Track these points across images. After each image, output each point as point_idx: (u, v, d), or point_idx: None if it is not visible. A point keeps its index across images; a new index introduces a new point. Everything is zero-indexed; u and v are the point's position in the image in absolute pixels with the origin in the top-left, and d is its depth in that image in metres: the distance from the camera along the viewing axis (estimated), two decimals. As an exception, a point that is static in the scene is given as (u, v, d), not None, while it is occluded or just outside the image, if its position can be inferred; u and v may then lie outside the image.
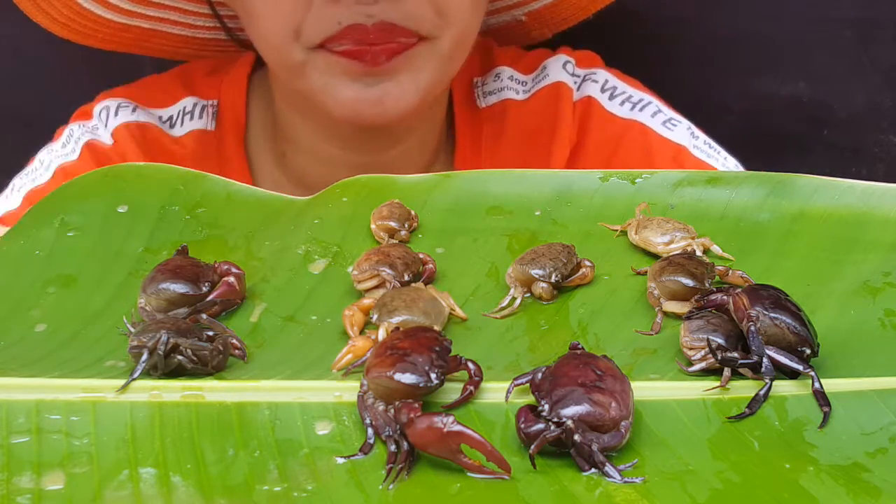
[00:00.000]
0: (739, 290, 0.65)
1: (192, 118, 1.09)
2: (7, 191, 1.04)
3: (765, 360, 0.62)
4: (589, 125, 1.06)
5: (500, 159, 1.06)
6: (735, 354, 0.63)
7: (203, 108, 1.09)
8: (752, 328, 0.63)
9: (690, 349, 0.65)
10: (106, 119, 1.07)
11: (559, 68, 1.08)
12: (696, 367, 0.64)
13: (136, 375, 0.63)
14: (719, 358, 0.63)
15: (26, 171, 1.05)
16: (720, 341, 0.64)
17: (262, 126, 1.10)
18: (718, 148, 1.06)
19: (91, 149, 1.04)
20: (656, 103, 1.07)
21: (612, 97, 1.06)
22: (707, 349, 0.64)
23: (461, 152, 1.07)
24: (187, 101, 1.09)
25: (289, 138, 1.07)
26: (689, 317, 0.66)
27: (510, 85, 1.08)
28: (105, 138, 1.06)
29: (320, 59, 0.93)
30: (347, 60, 0.92)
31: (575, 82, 1.07)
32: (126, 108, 1.07)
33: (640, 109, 1.06)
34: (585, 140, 1.06)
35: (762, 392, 0.61)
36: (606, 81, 1.07)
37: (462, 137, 1.07)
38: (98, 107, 1.08)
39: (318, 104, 0.96)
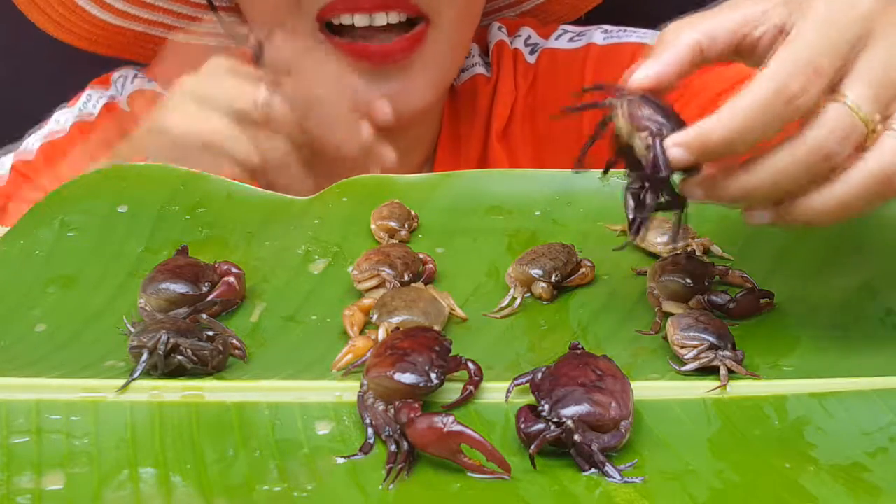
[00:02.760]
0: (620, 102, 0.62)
1: None
2: (21, 147, 1.04)
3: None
4: (555, 68, 1.07)
5: (476, 134, 1.06)
6: (729, 353, 0.63)
7: None
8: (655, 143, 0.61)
9: (682, 348, 0.65)
10: (122, 86, 1.07)
11: (495, 31, 1.10)
12: (689, 366, 0.64)
13: (136, 375, 0.63)
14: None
15: (40, 129, 1.04)
16: (712, 340, 0.64)
17: None
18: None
19: (110, 108, 1.05)
20: (603, 27, 1.08)
21: (558, 37, 1.08)
22: (699, 348, 0.64)
23: (444, 141, 1.07)
24: None
25: None
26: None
27: (479, 61, 1.08)
28: (123, 104, 1.06)
29: (326, 46, 0.93)
30: (361, 62, 0.92)
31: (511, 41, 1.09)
32: (143, 78, 1.08)
33: (585, 35, 1.07)
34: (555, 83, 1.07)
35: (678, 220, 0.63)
36: (530, 37, 1.09)
37: (445, 127, 1.07)
38: (116, 75, 1.08)
39: None
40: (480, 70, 1.08)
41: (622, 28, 1.07)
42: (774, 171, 0.59)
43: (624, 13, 1.13)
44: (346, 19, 0.92)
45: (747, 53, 0.62)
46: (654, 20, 1.07)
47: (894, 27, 0.60)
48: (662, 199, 0.62)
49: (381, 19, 0.92)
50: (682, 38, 0.62)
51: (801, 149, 0.58)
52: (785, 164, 0.58)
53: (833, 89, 0.59)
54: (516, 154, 1.06)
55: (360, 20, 0.92)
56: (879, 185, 0.59)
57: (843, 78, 0.59)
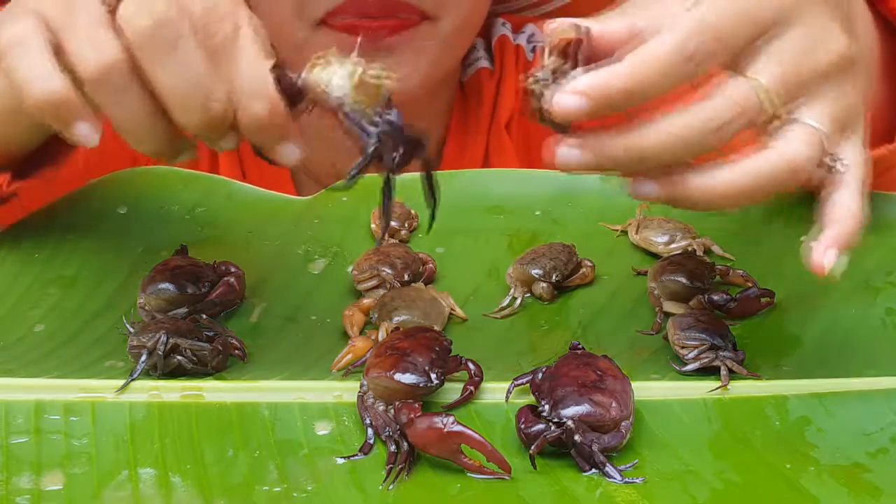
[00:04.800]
0: None
1: None
2: None
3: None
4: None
5: (483, 127, 1.06)
6: (730, 353, 0.63)
7: None
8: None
9: (683, 348, 0.64)
10: None
11: (498, 26, 1.09)
12: (690, 366, 0.64)
13: (135, 376, 0.63)
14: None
15: None
16: (713, 340, 0.64)
17: None
18: None
19: None
20: None
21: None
22: (699, 348, 0.64)
23: (453, 133, 1.07)
24: None
25: None
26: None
27: (483, 55, 1.08)
28: None
29: (321, 36, 0.92)
30: (345, 36, 0.91)
31: (514, 38, 1.08)
32: None
33: None
34: None
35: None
36: (533, 34, 1.08)
37: (455, 120, 1.07)
38: None
39: None
40: (484, 64, 1.08)
41: None
42: (667, 134, 0.56)
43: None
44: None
45: None
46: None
47: (813, 17, 0.58)
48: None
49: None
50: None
51: (699, 115, 0.56)
52: (679, 129, 0.56)
53: (740, 67, 0.57)
54: (517, 150, 1.06)
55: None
56: (782, 175, 0.57)
57: (752, 58, 0.57)
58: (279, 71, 0.58)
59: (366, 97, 0.56)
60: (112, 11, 0.56)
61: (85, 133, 0.59)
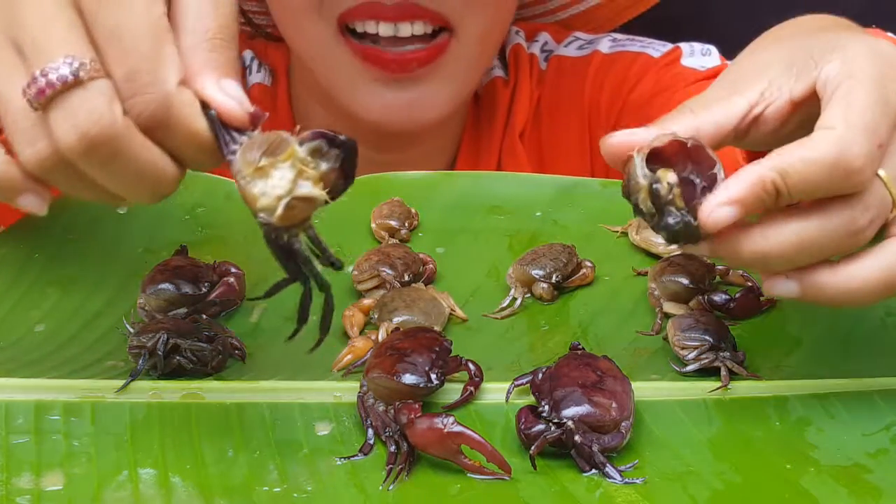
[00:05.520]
0: None
1: (250, 73, 1.07)
2: None
3: None
4: (560, 76, 1.06)
5: (496, 137, 1.06)
6: (730, 354, 0.63)
7: (260, 63, 1.07)
8: None
9: (683, 349, 0.65)
10: None
11: (512, 34, 1.09)
12: (690, 367, 0.64)
13: (135, 376, 0.63)
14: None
15: None
16: (713, 341, 0.64)
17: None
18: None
19: None
20: (612, 35, 1.07)
21: (568, 44, 1.07)
22: (699, 349, 0.64)
23: (466, 145, 1.07)
24: (247, 53, 1.07)
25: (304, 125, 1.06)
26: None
27: (497, 64, 1.08)
28: None
29: (341, 52, 0.92)
30: (376, 69, 0.91)
31: (528, 46, 1.08)
32: None
33: (594, 42, 1.07)
34: (559, 91, 1.06)
35: None
36: (546, 42, 1.08)
37: (468, 131, 1.07)
38: None
39: (345, 107, 0.96)
40: (499, 73, 1.07)
41: (630, 37, 1.06)
42: (798, 239, 0.54)
43: (671, 25, 1.12)
44: (370, 27, 0.91)
45: (745, 132, 0.58)
46: (702, 32, 1.06)
47: None
48: None
49: (405, 30, 0.91)
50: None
51: (833, 221, 0.54)
52: (811, 234, 0.54)
53: None
54: (529, 159, 1.06)
55: (384, 29, 0.91)
56: None
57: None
58: (216, 119, 0.55)
59: (291, 221, 0.55)
60: (42, 109, 0.53)
61: (30, 204, 0.58)
